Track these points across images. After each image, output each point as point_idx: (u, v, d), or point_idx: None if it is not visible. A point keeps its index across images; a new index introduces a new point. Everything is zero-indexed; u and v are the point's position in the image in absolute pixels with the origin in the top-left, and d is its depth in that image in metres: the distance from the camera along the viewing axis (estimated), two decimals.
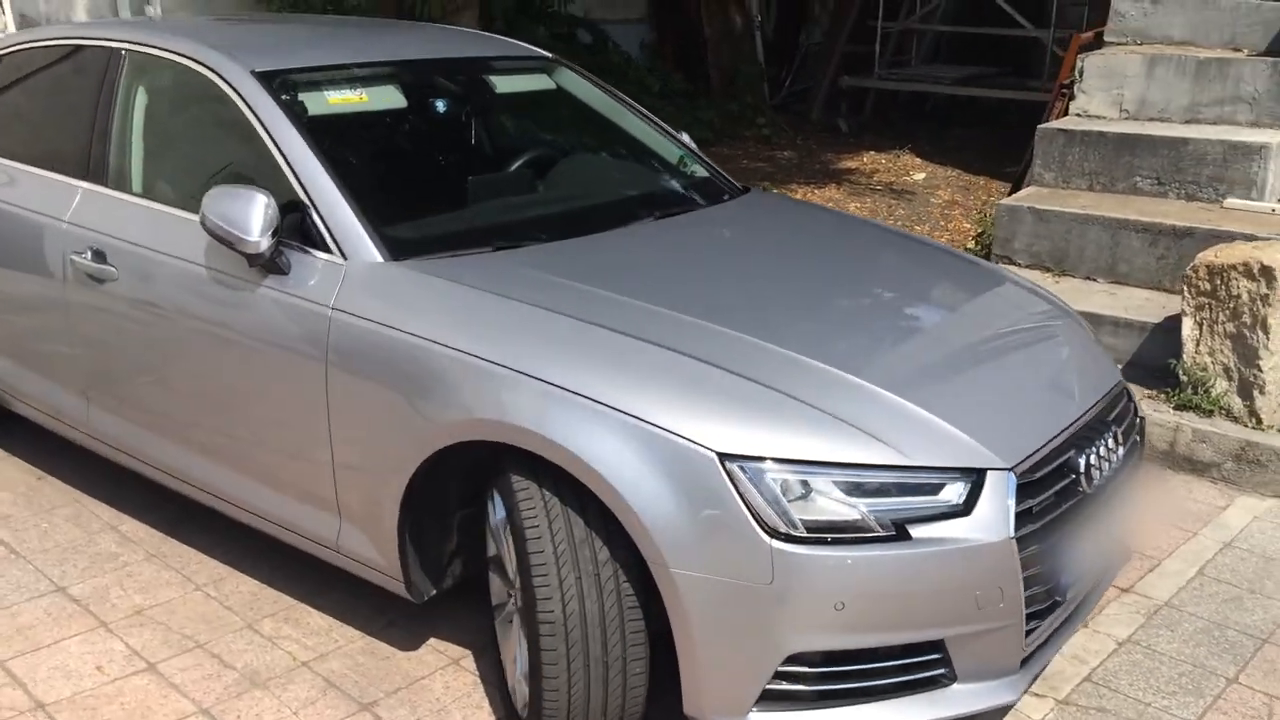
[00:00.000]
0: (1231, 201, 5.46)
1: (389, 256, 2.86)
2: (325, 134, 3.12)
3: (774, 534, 2.26)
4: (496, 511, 2.71)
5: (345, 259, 2.87)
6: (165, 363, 3.22)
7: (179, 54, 3.38)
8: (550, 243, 3.06)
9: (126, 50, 3.53)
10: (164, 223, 3.22)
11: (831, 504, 2.30)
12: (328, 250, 2.91)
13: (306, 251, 2.93)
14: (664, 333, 2.55)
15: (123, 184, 3.43)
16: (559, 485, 2.46)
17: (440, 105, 3.67)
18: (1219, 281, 4.28)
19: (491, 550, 2.86)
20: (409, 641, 3.11)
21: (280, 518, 3.09)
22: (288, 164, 3.02)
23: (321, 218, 2.93)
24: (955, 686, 2.43)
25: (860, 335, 2.77)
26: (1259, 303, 4.21)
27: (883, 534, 2.29)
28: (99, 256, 3.33)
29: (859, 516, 2.29)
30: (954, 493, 2.36)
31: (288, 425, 2.96)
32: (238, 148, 3.23)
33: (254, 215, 2.84)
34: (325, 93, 3.30)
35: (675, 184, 3.70)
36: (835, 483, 2.31)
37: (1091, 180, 5.94)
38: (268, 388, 2.97)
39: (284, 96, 3.18)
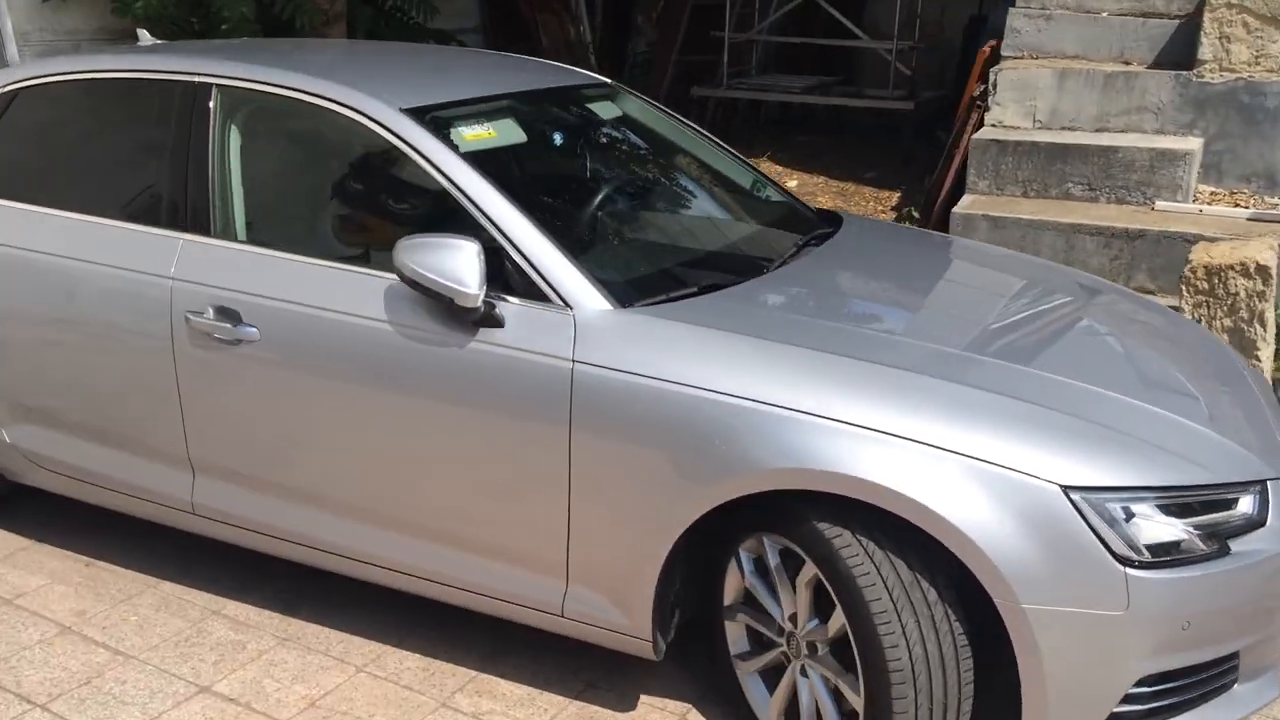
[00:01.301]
0: (1162, 204, 5.93)
1: (617, 304, 2.73)
2: (495, 173, 2.94)
3: (1124, 561, 2.31)
4: (770, 557, 2.64)
5: (570, 308, 2.72)
6: (331, 427, 2.94)
7: (298, 90, 3.09)
8: (748, 280, 2.99)
9: (217, 85, 3.19)
10: (325, 278, 2.94)
11: (1157, 527, 2.37)
12: (542, 299, 2.75)
13: (512, 301, 2.76)
14: (952, 370, 2.57)
15: (246, 235, 3.11)
16: (871, 529, 2.43)
17: (558, 138, 3.51)
18: (1216, 281, 4.66)
19: (729, 599, 2.79)
20: (622, 702, 2.97)
21: (481, 585, 2.89)
22: (477, 208, 2.83)
23: (532, 265, 2.77)
24: (1236, 688, 2.57)
25: (1100, 360, 2.87)
26: (1255, 298, 4.61)
27: (1209, 551, 2.39)
28: (229, 315, 3.00)
29: (1184, 536, 2.38)
30: (1247, 505, 2.49)
31: (507, 487, 2.77)
32: (398, 192, 3.00)
33: (469, 266, 2.66)
34: (461, 129, 3.11)
35: (786, 211, 3.69)
36: (1157, 505, 2.38)
37: (1025, 187, 6.31)
38: (482, 448, 2.77)
39: (439, 135, 2.98)
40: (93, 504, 3.50)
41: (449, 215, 2.90)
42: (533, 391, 2.69)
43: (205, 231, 3.12)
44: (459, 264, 2.66)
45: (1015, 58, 7.05)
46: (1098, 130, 6.48)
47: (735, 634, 2.81)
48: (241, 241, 3.10)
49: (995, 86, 6.75)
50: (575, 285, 2.74)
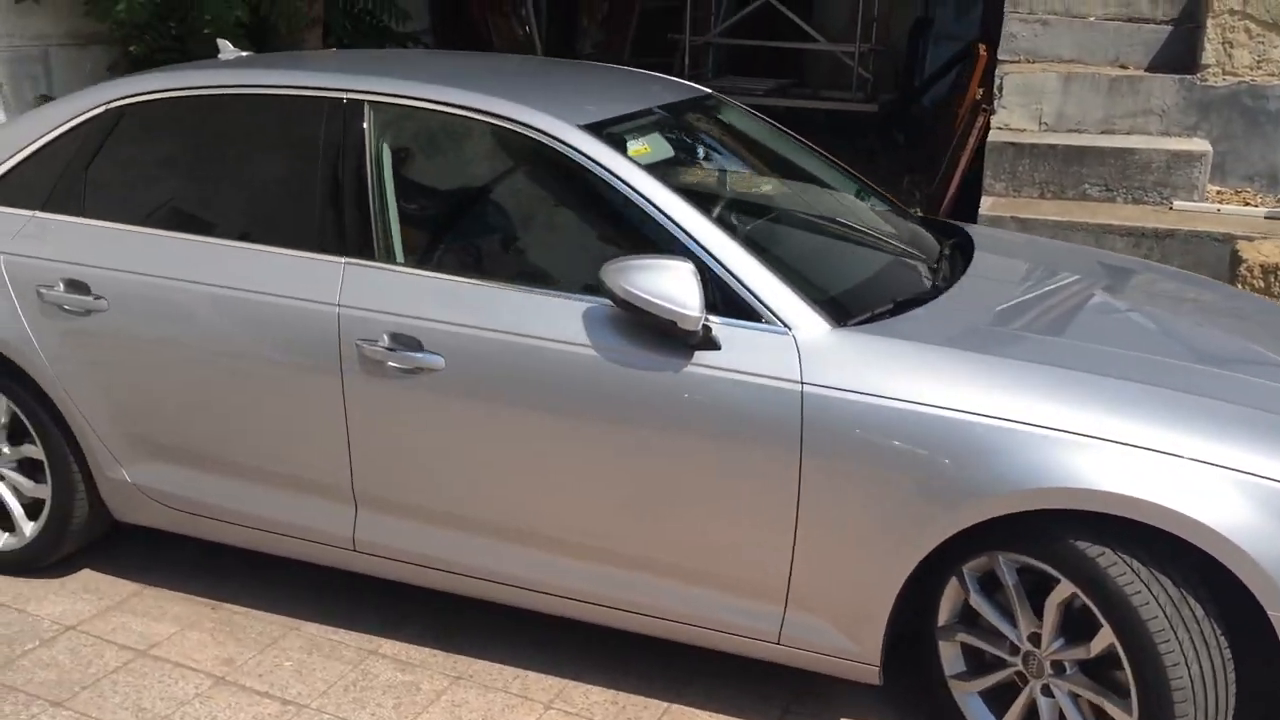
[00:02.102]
0: (1180, 204, 6.10)
1: (834, 323, 2.68)
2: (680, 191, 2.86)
3: None
4: (1005, 576, 2.61)
5: (789, 328, 2.66)
6: (524, 456, 2.82)
7: (463, 107, 2.97)
8: (940, 295, 2.96)
9: (370, 102, 3.04)
10: (515, 302, 2.81)
11: None
12: (754, 319, 2.69)
13: (721, 322, 2.68)
14: (1180, 379, 2.59)
15: (415, 259, 2.96)
16: (1131, 546, 2.43)
17: (700, 151, 3.43)
18: (1272, 278, 4.81)
19: (944, 619, 2.77)
20: None
21: (685, 614, 2.82)
22: (678, 227, 2.76)
23: (744, 284, 2.70)
24: None
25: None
26: None
27: None
28: (408, 343, 2.86)
29: None
30: None
31: (726, 513, 2.70)
32: (582, 211, 2.90)
33: (688, 287, 2.59)
34: (627, 145, 3.02)
35: (906, 217, 3.67)
36: None
37: (1042, 189, 6.43)
38: (698, 473, 2.69)
39: (621, 152, 2.89)
40: (225, 544, 3.31)
41: (639, 234, 2.81)
42: (759, 415, 2.62)
43: (369, 256, 2.97)
44: (677, 285, 2.59)
45: (1013, 62, 7.18)
46: (1103, 132, 6.64)
47: (950, 653, 2.79)
48: (411, 266, 2.95)
49: (1001, 90, 6.85)
50: (791, 305, 2.69)
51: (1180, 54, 6.80)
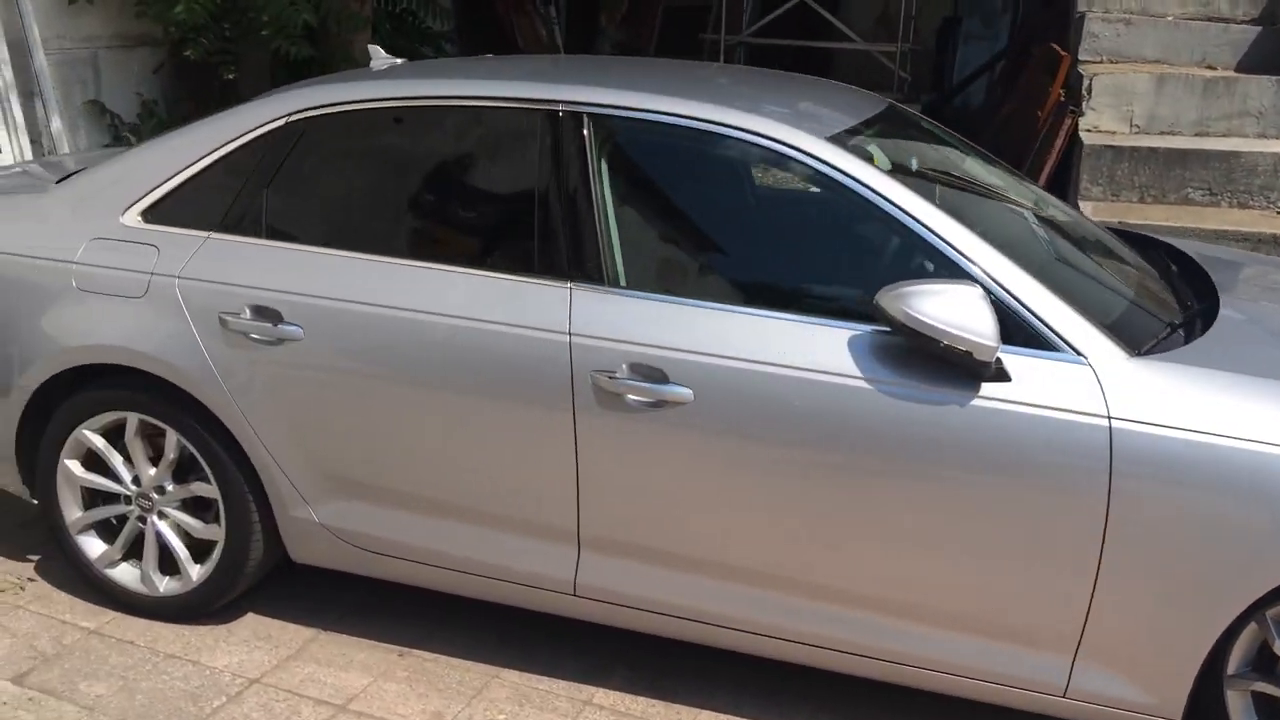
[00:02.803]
0: None
1: (1129, 350, 2.50)
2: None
3: None
4: None
5: (1084, 357, 2.47)
6: (784, 496, 2.61)
7: (697, 119, 2.75)
8: (1218, 319, 2.78)
9: (590, 114, 2.81)
10: (773, 330, 2.59)
11: None
12: (1046, 347, 2.50)
13: (1005, 350, 2.49)
14: None
15: (652, 283, 2.75)
16: None
17: (914, 164, 3.23)
18: None
19: (1234, 667, 2.59)
20: None
21: (954, 665, 2.63)
22: (952, 248, 2.57)
23: (1031, 310, 2.51)
24: None
25: None
26: None
27: None
28: (651, 375, 2.64)
29: None
30: None
31: (1015, 556, 2.50)
32: (840, 231, 2.71)
33: (982, 314, 2.40)
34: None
35: (1102, 227, 3.49)
36: None
37: (1142, 193, 6.28)
38: (985, 514, 2.50)
39: (876, 167, 2.69)
40: (405, 585, 3.09)
41: (903, 254, 2.64)
42: (1061, 453, 2.43)
43: (596, 279, 2.74)
44: (969, 312, 2.40)
45: (1095, 62, 7.04)
46: (1197, 134, 6.50)
47: (1239, 704, 2.60)
48: (648, 290, 2.73)
49: (1090, 91, 6.70)
50: (1084, 332, 2.50)
51: (1271, 54, 6.67)
